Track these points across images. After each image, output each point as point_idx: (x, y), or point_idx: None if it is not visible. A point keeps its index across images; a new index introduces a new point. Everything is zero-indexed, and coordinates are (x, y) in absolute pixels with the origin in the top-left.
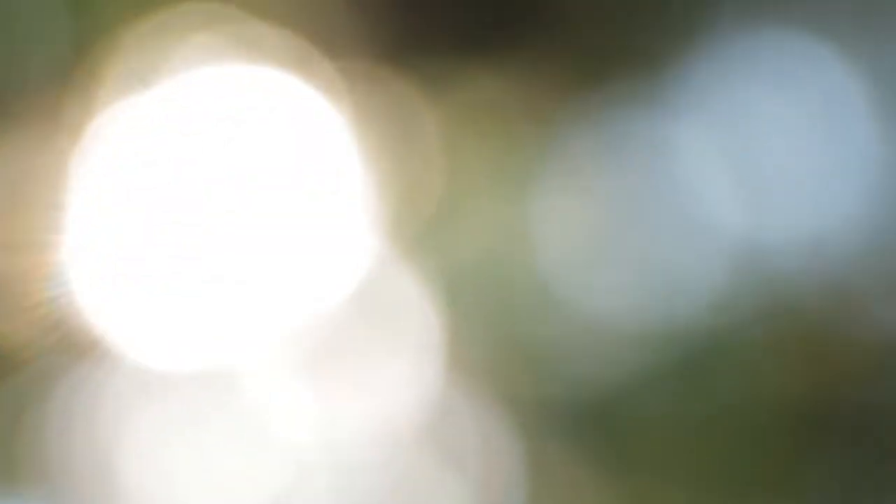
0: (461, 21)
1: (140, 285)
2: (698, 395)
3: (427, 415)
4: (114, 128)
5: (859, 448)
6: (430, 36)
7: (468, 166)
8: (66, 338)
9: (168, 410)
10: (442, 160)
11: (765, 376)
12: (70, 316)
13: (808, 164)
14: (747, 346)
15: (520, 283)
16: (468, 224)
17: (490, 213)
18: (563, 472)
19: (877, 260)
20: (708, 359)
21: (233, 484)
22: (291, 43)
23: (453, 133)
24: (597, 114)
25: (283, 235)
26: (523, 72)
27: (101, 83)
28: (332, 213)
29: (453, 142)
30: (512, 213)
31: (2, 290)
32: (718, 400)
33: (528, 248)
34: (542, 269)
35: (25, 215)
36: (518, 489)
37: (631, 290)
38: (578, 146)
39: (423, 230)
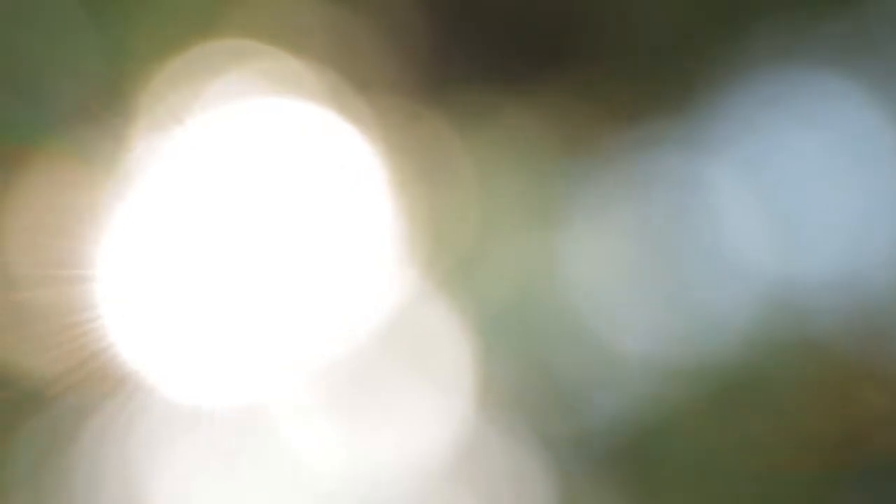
0: (495, 56)
1: (172, 320)
2: (728, 431)
3: (458, 448)
4: (147, 163)
5: (890, 484)
6: (464, 71)
7: (501, 201)
8: (96, 372)
9: (198, 445)
10: (475, 194)
11: (795, 413)
12: (101, 350)
13: (839, 202)
14: (778, 383)
15: (552, 317)
16: (501, 258)
17: (523, 248)
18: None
19: None
20: (738, 394)
21: None
22: (325, 78)
23: (486, 167)
24: (629, 150)
25: (315, 269)
26: (556, 108)
27: (134, 119)
28: (365, 247)
29: (486, 176)
30: (544, 247)
31: (33, 324)
32: (748, 436)
33: (560, 282)
34: (575, 304)
35: (57, 249)
36: None
37: (662, 326)
38: (610, 182)
39: (455, 264)
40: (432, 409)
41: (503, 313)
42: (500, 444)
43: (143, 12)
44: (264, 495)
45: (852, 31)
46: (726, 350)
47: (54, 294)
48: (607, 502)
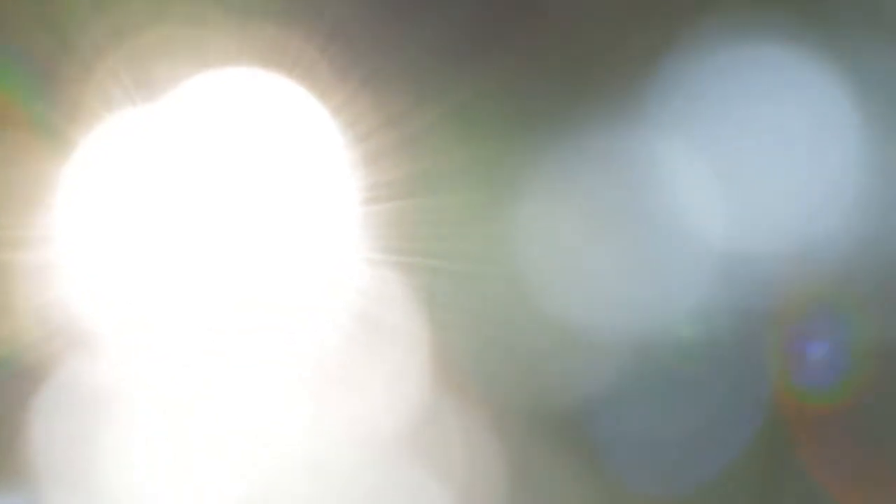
0: (450, 29)
1: (130, 287)
2: (682, 402)
3: (412, 421)
4: (109, 131)
5: (843, 451)
6: (420, 44)
7: (455, 174)
8: (53, 335)
9: (153, 410)
10: (429, 168)
11: (746, 383)
12: (59, 314)
13: (794, 173)
14: (729, 354)
15: (505, 291)
16: (455, 232)
17: (477, 222)
18: (546, 479)
19: (860, 267)
20: (690, 365)
21: (216, 486)
22: (283, 49)
23: (440, 141)
24: (584, 123)
25: (270, 238)
26: (511, 81)
27: (97, 88)
28: (319, 220)
29: (440, 150)
30: (498, 221)
31: None
32: (702, 406)
33: (514, 256)
34: (528, 277)
35: (19, 214)
36: (500, 494)
37: (616, 299)
38: (565, 155)
39: (409, 238)
40: (387, 381)
41: (458, 287)
42: (454, 416)
43: None
44: (217, 462)
45: (808, 3)
46: (682, 321)
47: (13, 258)
48: (561, 475)
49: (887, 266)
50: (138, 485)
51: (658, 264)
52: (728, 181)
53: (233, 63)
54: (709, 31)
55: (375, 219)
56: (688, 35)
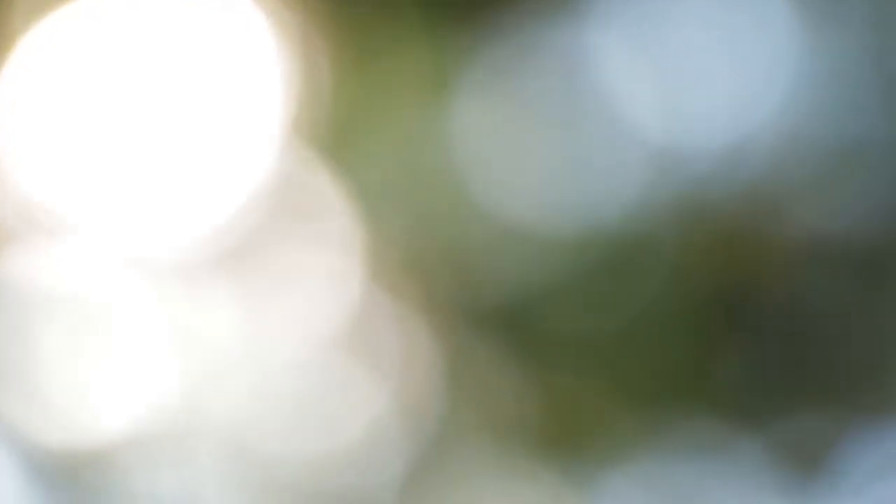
0: None
1: (59, 185)
2: (616, 296)
3: (346, 316)
4: (41, 36)
5: (771, 345)
6: None
7: (389, 70)
8: None
9: (85, 304)
10: (363, 63)
11: (681, 277)
12: None
13: (726, 69)
14: (664, 248)
15: (440, 186)
16: (389, 127)
17: (411, 117)
18: (482, 372)
19: (791, 162)
20: (625, 260)
21: (152, 383)
22: None
23: (375, 35)
24: (518, 19)
25: (203, 138)
26: None
27: None
28: (252, 117)
29: (375, 45)
30: (433, 116)
31: None
32: (635, 301)
33: (448, 151)
34: (462, 172)
35: None
36: (437, 390)
37: (550, 194)
38: (499, 50)
39: (343, 133)
40: (321, 277)
41: (392, 182)
42: (388, 311)
43: None
44: (152, 360)
45: None
46: (614, 216)
47: None
48: (496, 368)
49: (822, 158)
50: (73, 381)
51: (593, 158)
52: (664, 74)
53: None
54: None
55: (310, 114)
56: None
